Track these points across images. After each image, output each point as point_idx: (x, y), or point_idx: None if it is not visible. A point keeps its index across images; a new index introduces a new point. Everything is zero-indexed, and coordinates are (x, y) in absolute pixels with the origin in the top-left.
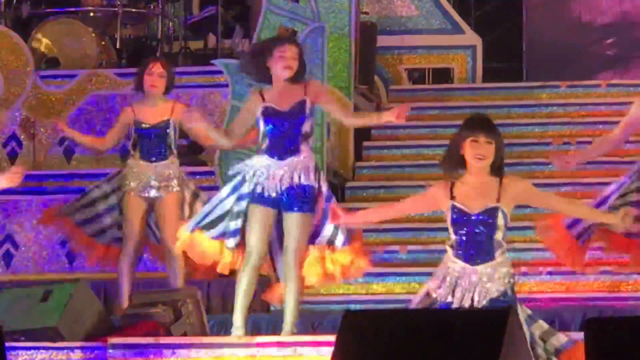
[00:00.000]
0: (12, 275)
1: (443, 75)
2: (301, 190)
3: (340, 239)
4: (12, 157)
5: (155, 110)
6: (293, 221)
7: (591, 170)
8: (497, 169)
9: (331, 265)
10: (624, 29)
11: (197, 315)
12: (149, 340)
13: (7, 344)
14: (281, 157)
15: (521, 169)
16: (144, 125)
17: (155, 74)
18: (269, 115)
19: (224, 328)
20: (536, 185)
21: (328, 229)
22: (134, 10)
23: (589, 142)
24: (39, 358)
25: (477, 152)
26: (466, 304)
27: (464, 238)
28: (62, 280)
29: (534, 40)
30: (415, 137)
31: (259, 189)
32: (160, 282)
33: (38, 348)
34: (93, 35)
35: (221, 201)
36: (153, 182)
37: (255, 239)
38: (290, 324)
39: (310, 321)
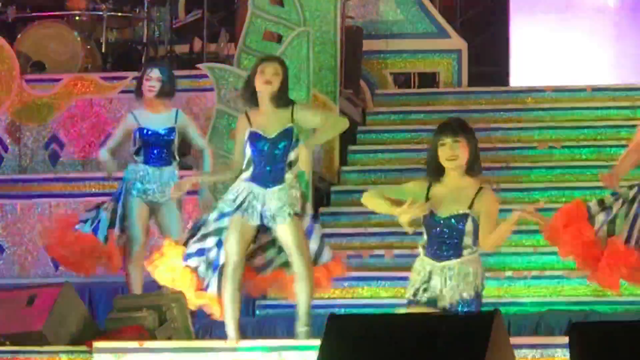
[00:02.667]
0: None
1: (429, 79)
2: None
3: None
4: None
5: None
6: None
7: (575, 174)
8: (473, 170)
9: None
10: None
11: (182, 320)
12: (134, 344)
13: None
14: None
15: (506, 174)
16: None
17: None
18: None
19: (209, 332)
20: (521, 190)
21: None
22: (119, 14)
23: (574, 147)
24: None
25: (446, 154)
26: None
27: (432, 239)
28: (48, 284)
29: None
30: (400, 142)
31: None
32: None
33: (23, 352)
34: (78, 39)
35: None
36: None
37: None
38: None
39: (295, 325)
